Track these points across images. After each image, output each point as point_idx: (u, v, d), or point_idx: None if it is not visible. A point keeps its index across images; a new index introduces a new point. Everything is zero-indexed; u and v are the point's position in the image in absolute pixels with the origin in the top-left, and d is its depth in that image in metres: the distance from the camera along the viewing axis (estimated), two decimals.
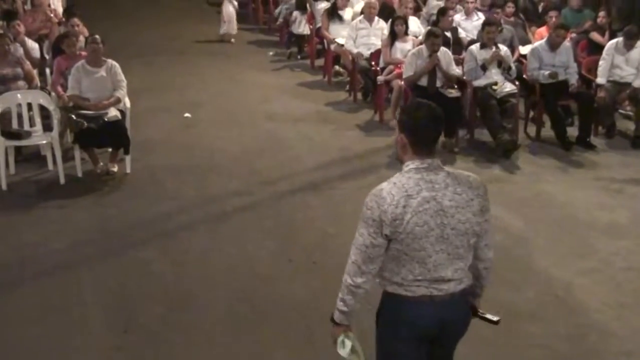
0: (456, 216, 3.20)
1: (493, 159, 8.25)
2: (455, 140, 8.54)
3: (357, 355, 3.33)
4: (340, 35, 10.92)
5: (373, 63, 9.81)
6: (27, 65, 8.34)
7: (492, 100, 8.42)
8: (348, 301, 3.27)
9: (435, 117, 3.29)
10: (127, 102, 8.02)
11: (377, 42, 10.12)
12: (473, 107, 8.73)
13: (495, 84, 8.54)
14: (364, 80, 10.18)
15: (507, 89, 8.56)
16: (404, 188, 3.20)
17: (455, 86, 8.59)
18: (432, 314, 3.28)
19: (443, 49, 8.57)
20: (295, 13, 12.64)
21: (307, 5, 12.51)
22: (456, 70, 8.72)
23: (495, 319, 3.49)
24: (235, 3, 13.89)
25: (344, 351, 3.34)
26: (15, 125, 7.69)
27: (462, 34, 10.11)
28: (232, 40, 13.30)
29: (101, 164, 7.75)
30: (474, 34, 10.04)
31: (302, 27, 12.51)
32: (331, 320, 3.33)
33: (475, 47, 8.78)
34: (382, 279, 3.32)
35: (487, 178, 7.77)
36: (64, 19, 10.51)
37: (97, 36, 7.93)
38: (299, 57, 12.64)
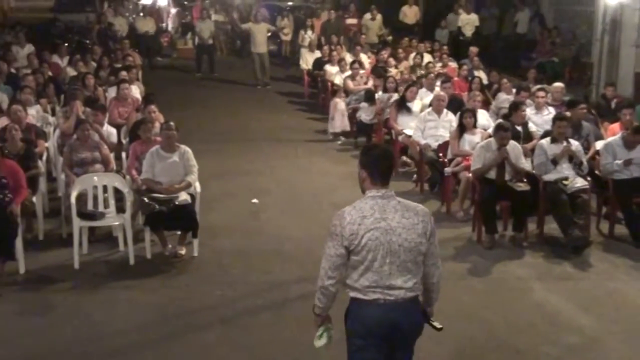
0: (402, 235, 4.07)
1: (564, 255, 8.07)
2: (524, 235, 8.40)
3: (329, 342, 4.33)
4: (409, 126, 11.02)
5: (441, 154, 9.83)
6: (105, 149, 8.66)
7: (563, 195, 8.30)
8: (322, 300, 4.23)
9: (386, 156, 4.22)
10: (198, 186, 8.19)
11: (445, 134, 10.17)
12: (543, 201, 8.60)
13: (566, 178, 8.42)
14: (431, 171, 10.19)
15: (578, 184, 8.42)
16: (361, 210, 4.10)
17: (525, 180, 8.50)
18: (382, 315, 4.10)
19: (512, 142, 8.54)
20: (363, 104, 12.85)
21: (375, 97, 12.73)
22: (525, 164, 8.66)
23: (439, 326, 4.37)
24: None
25: (319, 342, 4.34)
26: (90, 206, 7.93)
27: (532, 127, 10.07)
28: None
29: (170, 246, 7.89)
30: (544, 128, 9.99)
31: (370, 116, 12.69)
32: (313, 312, 4.30)
33: (545, 142, 8.72)
34: (346, 285, 4.20)
35: (558, 274, 7.64)
36: (142, 106, 10.90)
37: (171, 123, 8.19)
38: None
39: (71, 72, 13.85)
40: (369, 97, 12.83)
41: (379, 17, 21.25)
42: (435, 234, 4.23)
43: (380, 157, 4.18)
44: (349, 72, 14.51)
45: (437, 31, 19.70)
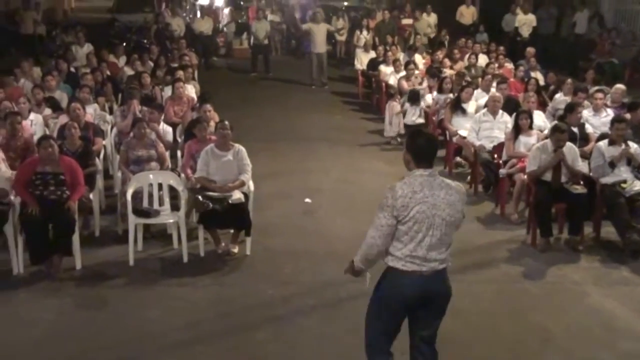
0: (446, 210, 4.54)
1: (621, 259, 7.90)
2: (580, 238, 8.25)
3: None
4: (463, 127, 10.92)
5: (495, 156, 9.72)
6: (161, 147, 8.78)
7: (621, 198, 8.12)
8: (364, 263, 4.71)
9: (430, 143, 4.68)
10: (251, 185, 8.25)
11: (500, 136, 10.05)
12: (600, 204, 8.43)
13: (624, 182, 8.25)
14: (485, 172, 10.07)
15: (637, 188, 8.23)
16: (411, 185, 4.53)
17: (581, 182, 8.35)
18: (418, 285, 4.55)
19: (569, 144, 8.39)
20: (407, 105, 12.79)
21: (426, 97, 12.67)
22: (582, 166, 8.49)
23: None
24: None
25: (366, 282, 4.86)
26: (145, 203, 8.06)
27: (589, 129, 9.88)
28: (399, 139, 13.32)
29: (223, 244, 7.96)
30: (602, 130, 9.79)
31: (415, 117, 12.62)
32: (351, 267, 4.82)
33: (603, 144, 8.56)
34: (388, 254, 4.60)
35: (615, 279, 7.48)
36: (197, 105, 11.03)
37: (226, 122, 8.27)
38: None
39: (129, 71, 14.09)
40: (413, 97, 12.76)
41: (433, 15, 21.13)
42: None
43: (425, 143, 4.65)
44: (403, 73, 14.45)
45: (477, 35, 19.46)
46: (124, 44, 19.39)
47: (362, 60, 17.66)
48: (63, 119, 9.67)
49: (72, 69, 14.09)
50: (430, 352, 4.84)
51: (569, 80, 12.03)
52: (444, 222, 4.55)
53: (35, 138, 8.62)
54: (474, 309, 6.79)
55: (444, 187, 4.58)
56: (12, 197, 7.53)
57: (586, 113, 10.35)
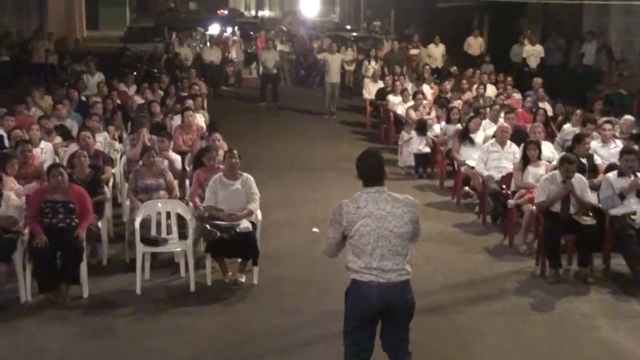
0: (392, 222, 4.84)
1: (631, 292, 7.84)
2: (590, 270, 8.19)
3: None
4: (471, 157, 10.92)
5: (504, 186, 9.70)
6: (169, 176, 8.82)
7: (631, 230, 8.07)
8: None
9: (374, 162, 5.05)
10: (259, 214, 8.25)
11: (508, 166, 10.04)
12: (610, 236, 8.38)
13: (634, 213, 8.20)
14: (494, 203, 10.05)
15: None
16: (356, 202, 4.92)
17: (590, 214, 8.31)
18: (377, 296, 4.83)
19: (578, 175, 8.38)
20: (413, 134, 12.83)
21: (435, 128, 12.71)
22: (591, 198, 8.47)
23: None
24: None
25: None
26: (153, 232, 8.06)
27: (597, 160, 9.87)
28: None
29: (230, 273, 7.95)
30: (610, 162, 9.77)
31: (421, 147, 12.66)
32: None
33: (612, 175, 8.53)
34: (347, 269, 4.97)
35: (626, 312, 7.42)
36: (206, 134, 11.07)
37: (235, 151, 8.30)
38: (424, 175, 12.73)
39: (139, 100, 14.19)
40: (421, 127, 12.80)
41: (441, 46, 21.26)
42: (419, 220, 5.02)
43: (369, 164, 5.03)
44: (411, 103, 14.49)
45: (483, 66, 19.55)
46: (135, 73, 19.55)
47: (370, 90, 17.73)
48: (73, 147, 9.72)
49: (83, 98, 14.19)
50: (399, 356, 5.07)
51: (578, 112, 12.01)
52: (391, 233, 4.85)
53: (45, 166, 8.68)
54: (483, 341, 6.75)
55: (391, 201, 4.90)
56: (21, 225, 7.55)
57: (595, 144, 10.34)
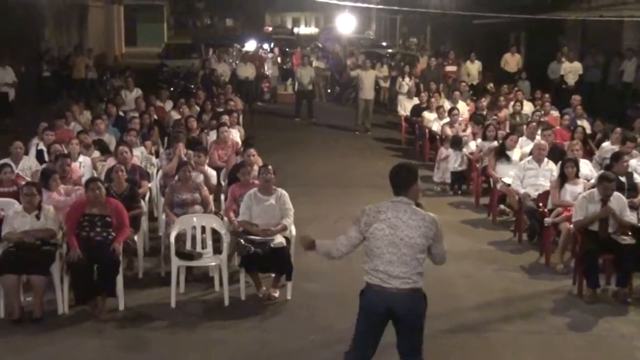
0: (405, 232, 5.10)
1: None
2: (629, 290, 8.06)
3: None
4: (507, 174, 10.83)
5: (540, 204, 9.60)
6: (205, 191, 8.88)
7: None
8: (322, 252, 5.55)
9: (400, 172, 5.32)
10: (293, 230, 8.26)
11: (545, 184, 9.94)
12: None
13: None
14: (530, 221, 9.95)
15: None
16: (378, 208, 5.24)
17: (630, 233, 8.18)
18: (381, 301, 5.14)
19: (616, 194, 8.26)
20: (449, 150, 12.77)
21: (470, 144, 12.64)
22: (630, 217, 8.34)
23: None
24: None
25: None
26: (188, 246, 8.11)
27: (637, 179, 9.72)
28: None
29: (264, 288, 7.96)
30: None
31: (457, 164, 12.60)
32: (311, 244, 5.57)
33: None
34: (364, 271, 5.28)
35: None
36: (241, 149, 11.14)
37: (270, 166, 8.34)
38: (459, 192, 12.67)
39: (175, 115, 14.34)
40: (456, 143, 12.75)
41: (477, 63, 21.19)
42: (441, 237, 5.25)
43: (396, 175, 5.31)
44: (447, 119, 14.44)
45: (519, 82, 19.42)
46: (172, 88, 19.77)
47: (405, 106, 17.71)
48: (111, 161, 9.85)
49: (121, 113, 14.37)
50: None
51: (618, 129, 11.87)
52: (402, 241, 5.11)
53: (84, 180, 8.79)
54: None
55: (409, 212, 5.16)
56: (59, 238, 7.66)
57: (634, 162, 10.20)
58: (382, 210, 5.19)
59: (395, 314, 5.15)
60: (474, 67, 21.22)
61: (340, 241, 5.40)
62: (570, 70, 19.82)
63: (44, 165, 9.76)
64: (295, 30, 53.20)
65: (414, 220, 5.13)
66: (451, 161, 12.71)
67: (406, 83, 19.73)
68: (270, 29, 49.90)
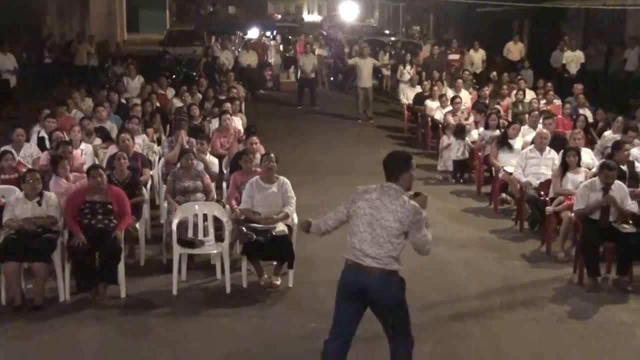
0: (382, 214, 5.29)
1: None
2: (629, 278, 8.07)
3: None
4: (509, 163, 10.83)
5: (542, 193, 9.61)
6: (207, 179, 8.88)
7: None
8: (315, 229, 5.82)
9: (390, 159, 5.49)
10: (295, 218, 8.27)
11: (547, 172, 9.94)
12: None
13: None
14: (531, 209, 9.94)
15: None
16: (367, 189, 5.47)
17: (630, 221, 8.19)
18: (352, 276, 5.37)
19: (618, 182, 8.26)
20: (452, 139, 12.76)
21: (473, 133, 12.63)
22: (631, 206, 8.34)
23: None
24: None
25: None
26: (190, 234, 8.13)
27: (639, 168, 9.72)
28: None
29: (265, 276, 7.98)
30: None
31: (459, 153, 12.59)
32: (307, 226, 5.92)
33: None
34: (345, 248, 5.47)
35: None
36: (243, 137, 11.13)
37: (272, 154, 8.34)
38: (461, 180, 12.67)
39: (177, 103, 14.32)
40: (458, 132, 12.74)
41: (481, 51, 21.12)
42: (420, 226, 5.34)
43: (389, 161, 5.47)
44: (449, 108, 14.43)
45: (522, 71, 19.36)
46: (174, 76, 19.73)
47: (408, 94, 17.69)
48: (112, 149, 9.86)
49: (123, 101, 14.37)
50: (397, 339, 5.50)
51: (620, 118, 11.84)
52: (377, 222, 5.29)
53: (85, 167, 8.80)
54: (519, 349, 6.69)
55: (392, 197, 5.32)
56: (60, 225, 7.67)
57: (636, 151, 10.19)
58: (369, 191, 5.41)
59: (367, 293, 5.32)
60: (477, 56, 21.16)
61: (329, 216, 5.65)
62: (572, 59, 19.76)
63: (46, 152, 9.78)
64: (305, 17, 52.99)
65: (394, 205, 5.28)
66: (453, 150, 12.70)
67: (407, 71, 19.70)
68: (279, 16, 49.73)
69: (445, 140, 13.01)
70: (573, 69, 19.64)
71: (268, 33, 30.14)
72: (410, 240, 5.37)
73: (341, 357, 5.49)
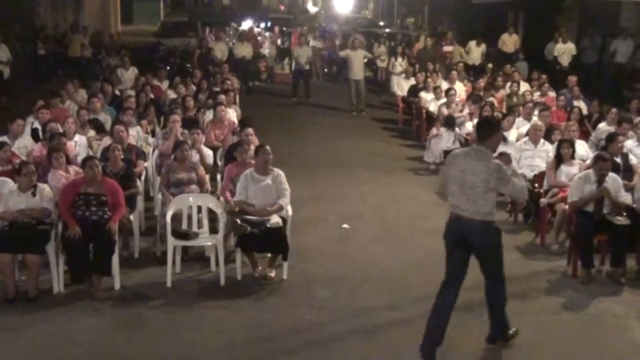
0: (468, 176, 6.03)
1: None
2: (622, 270, 8.09)
3: None
4: None
5: (536, 185, 9.61)
6: (201, 170, 8.86)
7: None
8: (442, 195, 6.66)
9: (480, 124, 6.57)
10: (289, 210, 8.27)
11: (541, 164, 9.95)
12: None
13: None
14: (525, 201, 9.95)
15: None
16: (456, 154, 6.38)
17: (624, 214, 8.21)
18: (454, 226, 6.18)
19: (612, 174, 8.28)
20: (441, 130, 12.76)
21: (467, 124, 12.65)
22: (625, 197, 8.36)
23: None
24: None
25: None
26: (184, 226, 8.12)
27: (633, 160, 9.73)
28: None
29: (260, 268, 7.98)
30: None
31: (450, 143, 12.59)
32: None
33: None
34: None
35: None
36: (238, 129, 11.11)
37: (267, 147, 8.32)
38: None
39: (171, 94, 14.29)
40: (448, 122, 12.74)
41: (482, 46, 21.07)
42: (506, 180, 6.01)
43: (481, 126, 6.41)
44: (444, 100, 14.42)
45: (516, 63, 19.34)
46: (168, 67, 19.66)
47: (402, 86, 17.67)
48: (106, 140, 9.83)
49: (117, 92, 14.32)
50: (491, 286, 6.38)
51: (614, 110, 11.86)
52: (467, 183, 6.01)
53: (79, 159, 8.77)
54: (513, 340, 6.69)
55: (478, 159, 6.05)
56: (54, 217, 7.65)
57: (630, 143, 10.21)
58: (459, 155, 6.26)
59: (467, 239, 6.08)
60: (478, 50, 21.03)
61: (438, 181, 6.66)
62: (564, 51, 19.70)
63: (40, 143, 9.75)
64: (311, 9, 52.75)
65: (479, 167, 5.98)
66: (443, 140, 12.68)
67: (399, 63, 19.69)
68: (283, 7, 49.53)
69: (434, 130, 13.02)
70: (565, 61, 19.60)
71: (262, 24, 30.04)
72: (503, 193, 6.29)
73: (453, 304, 6.25)
